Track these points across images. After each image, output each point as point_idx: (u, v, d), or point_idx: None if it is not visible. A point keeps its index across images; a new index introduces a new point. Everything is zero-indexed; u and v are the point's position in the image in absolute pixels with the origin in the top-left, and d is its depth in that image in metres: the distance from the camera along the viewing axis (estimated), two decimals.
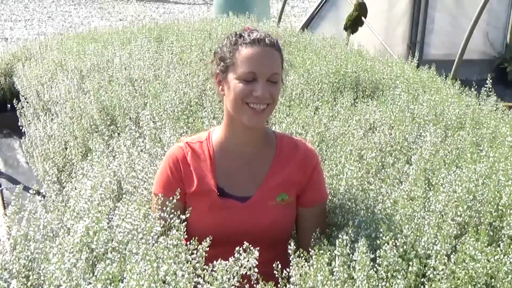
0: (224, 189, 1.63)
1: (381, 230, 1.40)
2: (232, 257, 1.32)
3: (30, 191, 1.63)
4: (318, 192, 1.70)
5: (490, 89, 2.79)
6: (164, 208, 1.51)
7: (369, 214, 1.59)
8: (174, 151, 1.68)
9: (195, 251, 1.37)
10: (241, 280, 1.30)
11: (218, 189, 1.63)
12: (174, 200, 1.51)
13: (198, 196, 1.63)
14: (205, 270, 1.31)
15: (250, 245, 1.35)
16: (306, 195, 1.68)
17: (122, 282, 1.25)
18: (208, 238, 1.38)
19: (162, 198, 1.56)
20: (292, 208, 1.68)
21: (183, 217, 1.50)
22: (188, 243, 1.41)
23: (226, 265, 1.29)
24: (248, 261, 1.31)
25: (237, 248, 1.34)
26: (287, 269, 1.40)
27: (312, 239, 1.56)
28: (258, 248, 1.35)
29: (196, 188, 1.63)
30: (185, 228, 1.48)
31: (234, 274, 1.30)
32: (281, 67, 1.62)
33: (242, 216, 1.61)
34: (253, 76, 1.55)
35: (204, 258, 1.36)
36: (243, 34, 1.60)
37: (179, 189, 1.60)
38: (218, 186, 1.63)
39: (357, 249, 1.35)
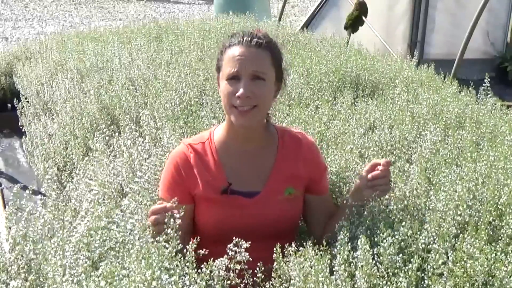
0: (231, 186, 1.65)
1: (380, 226, 1.41)
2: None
3: (27, 191, 1.63)
4: (326, 182, 1.78)
5: (488, 88, 2.78)
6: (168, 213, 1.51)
7: (368, 211, 1.60)
8: (175, 156, 1.69)
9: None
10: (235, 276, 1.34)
11: (225, 186, 1.65)
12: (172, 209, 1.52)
13: (205, 195, 1.65)
14: (201, 269, 1.32)
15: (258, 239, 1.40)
16: (316, 185, 1.73)
17: (121, 281, 1.25)
18: (195, 239, 1.39)
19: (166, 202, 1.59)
20: (299, 201, 1.72)
21: (176, 220, 1.51)
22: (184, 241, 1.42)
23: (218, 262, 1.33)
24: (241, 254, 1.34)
25: (229, 245, 1.37)
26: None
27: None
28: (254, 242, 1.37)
29: (202, 188, 1.64)
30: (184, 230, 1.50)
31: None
32: (273, 67, 1.62)
33: (251, 212, 1.64)
34: (236, 74, 1.57)
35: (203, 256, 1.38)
36: (233, 36, 1.64)
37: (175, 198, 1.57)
38: (225, 184, 1.65)
39: (359, 246, 1.35)
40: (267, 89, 1.60)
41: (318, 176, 1.73)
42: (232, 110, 1.59)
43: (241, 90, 1.55)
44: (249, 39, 1.59)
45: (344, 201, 1.69)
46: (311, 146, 1.76)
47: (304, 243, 1.45)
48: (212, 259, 1.35)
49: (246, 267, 1.37)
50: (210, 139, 1.70)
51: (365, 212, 1.59)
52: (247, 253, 1.36)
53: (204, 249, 1.40)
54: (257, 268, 1.39)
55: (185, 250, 1.35)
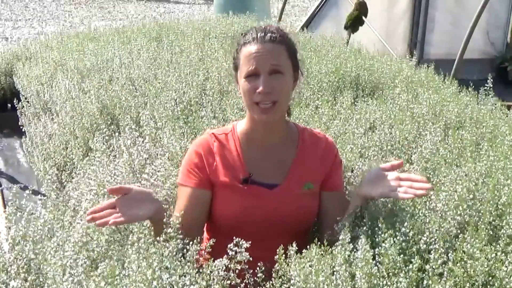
0: (252, 177, 1.68)
1: (380, 227, 1.40)
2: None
3: (27, 191, 1.63)
4: (339, 178, 1.78)
5: (490, 88, 2.78)
6: (188, 198, 1.63)
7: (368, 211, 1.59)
8: (198, 143, 1.73)
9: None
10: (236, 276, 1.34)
11: (246, 176, 1.68)
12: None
13: (226, 184, 1.68)
14: (202, 268, 1.32)
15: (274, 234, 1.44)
16: (329, 180, 1.75)
17: (121, 281, 1.25)
18: (211, 240, 1.41)
19: (186, 188, 1.66)
20: (316, 197, 1.74)
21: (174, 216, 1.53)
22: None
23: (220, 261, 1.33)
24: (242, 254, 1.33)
25: (229, 245, 1.37)
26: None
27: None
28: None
29: (224, 177, 1.68)
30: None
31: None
32: (290, 59, 1.64)
33: (269, 203, 1.67)
34: (255, 71, 1.60)
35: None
36: (246, 33, 1.66)
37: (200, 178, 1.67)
38: (246, 174, 1.68)
39: (360, 246, 1.34)
40: (286, 82, 1.63)
41: (331, 171, 1.75)
42: (253, 107, 1.62)
43: (261, 87, 1.58)
44: (263, 34, 1.62)
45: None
46: (330, 144, 1.79)
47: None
48: (212, 259, 1.35)
49: (247, 266, 1.37)
50: (233, 131, 1.74)
51: (366, 213, 1.59)
52: (247, 253, 1.36)
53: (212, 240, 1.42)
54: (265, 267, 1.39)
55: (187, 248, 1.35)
